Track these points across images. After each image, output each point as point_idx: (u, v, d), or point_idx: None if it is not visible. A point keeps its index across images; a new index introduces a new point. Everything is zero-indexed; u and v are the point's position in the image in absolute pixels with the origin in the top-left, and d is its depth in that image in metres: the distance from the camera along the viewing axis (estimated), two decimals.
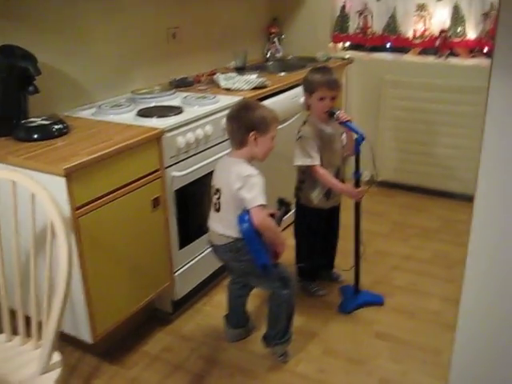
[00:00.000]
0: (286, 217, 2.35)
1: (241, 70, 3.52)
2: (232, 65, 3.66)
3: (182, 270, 2.64)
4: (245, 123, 2.14)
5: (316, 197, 2.69)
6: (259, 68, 3.66)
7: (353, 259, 2.76)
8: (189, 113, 2.60)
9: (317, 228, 2.79)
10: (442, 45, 3.83)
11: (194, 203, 2.65)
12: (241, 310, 2.55)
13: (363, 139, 2.50)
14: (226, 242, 2.20)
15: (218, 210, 2.22)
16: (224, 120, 2.28)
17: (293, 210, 2.81)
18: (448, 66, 3.82)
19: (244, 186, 2.09)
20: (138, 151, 2.25)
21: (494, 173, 1.43)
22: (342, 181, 2.75)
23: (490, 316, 1.57)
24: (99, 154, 2.07)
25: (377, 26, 4.05)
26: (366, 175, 3.85)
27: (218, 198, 2.20)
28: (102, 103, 2.73)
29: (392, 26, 3.97)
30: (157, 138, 2.34)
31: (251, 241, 2.11)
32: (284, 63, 4.04)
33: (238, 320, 2.55)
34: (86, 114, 2.64)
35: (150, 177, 2.34)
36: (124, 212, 2.25)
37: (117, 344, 2.51)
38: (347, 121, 2.53)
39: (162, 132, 2.36)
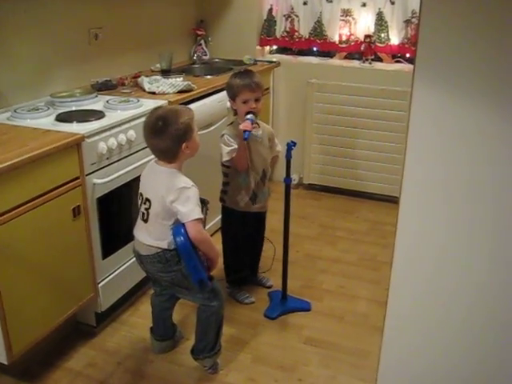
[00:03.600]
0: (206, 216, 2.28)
1: (166, 72, 3.45)
2: (157, 67, 3.58)
3: (106, 280, 2.54)
4: (176, 138, 2.04)
5: (241, 199, 2.66)
6: (185, 71, 3.58)
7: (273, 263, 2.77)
8: (111, 117, 2.50)
9: (243, 231, 2.77)
10: (366, 50, 3.90)
11: (117, 211, 2.57)
12: (167, 323, 2.47)
13: (294, 145, 2.55)
14: (154, 252, 2.13)
15: (145, 221, 2.14)
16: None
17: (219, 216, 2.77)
18: (372, 70, 3.90)
19: (178, 199, 2.03)
20: (57, 158, 2.15)
21: (417, 175, 1.45)
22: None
23: (416, 316, 1.59)
24: (13, 161, 1.95)
25: (303, 29, 4.08)
26: (294, 178, 3.86)
27: (147, 209, 2.12)
28: (17, 107, 2.58)
29: (318, 30, 4.02)
30: (77, 143, 2.24)
31: (188, 256, 2.04)
32: (211, 66, 3.98)
33: (165, 332, 2.47)
34: (0, 118, 2.48)
35: (70, 185, 2.23)
36: (42, 223, 2.13)
37: (37, 361, 2.38)
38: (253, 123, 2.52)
39: (83, 138, 2.26)
